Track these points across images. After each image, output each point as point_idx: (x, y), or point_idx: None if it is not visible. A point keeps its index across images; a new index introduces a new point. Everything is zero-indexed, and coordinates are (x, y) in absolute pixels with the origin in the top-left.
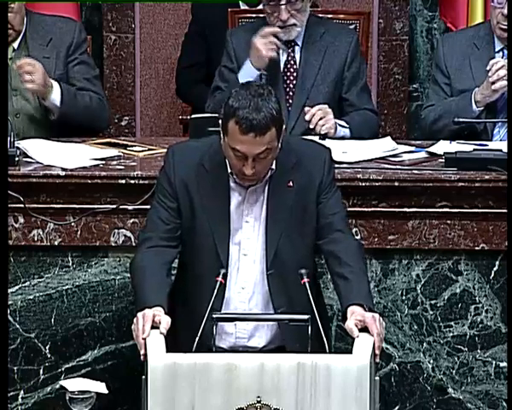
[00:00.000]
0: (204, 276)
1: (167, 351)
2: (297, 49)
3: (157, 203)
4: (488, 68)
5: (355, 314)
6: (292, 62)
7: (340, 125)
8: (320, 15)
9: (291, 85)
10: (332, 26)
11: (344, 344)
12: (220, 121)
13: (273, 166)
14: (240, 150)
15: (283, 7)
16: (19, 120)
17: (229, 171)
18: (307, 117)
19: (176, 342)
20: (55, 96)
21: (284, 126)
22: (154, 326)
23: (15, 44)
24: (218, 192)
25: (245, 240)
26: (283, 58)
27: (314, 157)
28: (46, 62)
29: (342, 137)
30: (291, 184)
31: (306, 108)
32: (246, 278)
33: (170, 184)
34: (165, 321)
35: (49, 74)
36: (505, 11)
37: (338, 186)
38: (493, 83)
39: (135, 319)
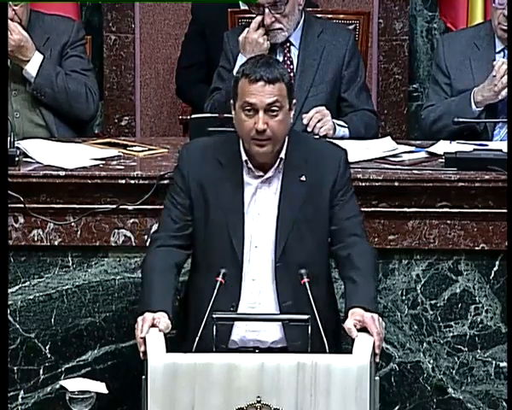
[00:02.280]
0: (219, 267)
1: (178, 345)
2: (293, 49)
3: (169, 202)
4: (493, 74)
5: (354, 314)
6: (288, 63)
7: (338, 125)
8: (318, 15)
9: None
10: (329, 26)
11: (344, 344)
12: (231, 99)
13: (282, 155)
14: (249, 102)
15: (267, 11)
16: (19, 119)
17: (244, 159)
18: (305, 121)
19: (185, 337)
20: (33, 67)
21: (294, 101)
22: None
23: None
24: (232, 184)
25: (257, 232)
26: (279, 59)
27: (330, 155)
28: None
29: (342, 137)
30: (304, 178)
31: (303, 115)
32: (257, 269)
33: (183, 178)
34: (165, 322)
35: None
36: (506, 12)
37: (354, 188)
38: (499, 90)
39: (136, 324)
